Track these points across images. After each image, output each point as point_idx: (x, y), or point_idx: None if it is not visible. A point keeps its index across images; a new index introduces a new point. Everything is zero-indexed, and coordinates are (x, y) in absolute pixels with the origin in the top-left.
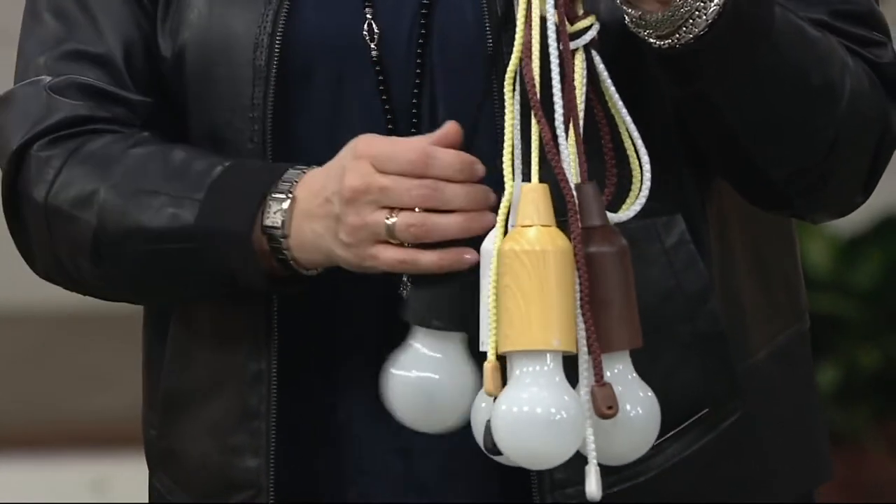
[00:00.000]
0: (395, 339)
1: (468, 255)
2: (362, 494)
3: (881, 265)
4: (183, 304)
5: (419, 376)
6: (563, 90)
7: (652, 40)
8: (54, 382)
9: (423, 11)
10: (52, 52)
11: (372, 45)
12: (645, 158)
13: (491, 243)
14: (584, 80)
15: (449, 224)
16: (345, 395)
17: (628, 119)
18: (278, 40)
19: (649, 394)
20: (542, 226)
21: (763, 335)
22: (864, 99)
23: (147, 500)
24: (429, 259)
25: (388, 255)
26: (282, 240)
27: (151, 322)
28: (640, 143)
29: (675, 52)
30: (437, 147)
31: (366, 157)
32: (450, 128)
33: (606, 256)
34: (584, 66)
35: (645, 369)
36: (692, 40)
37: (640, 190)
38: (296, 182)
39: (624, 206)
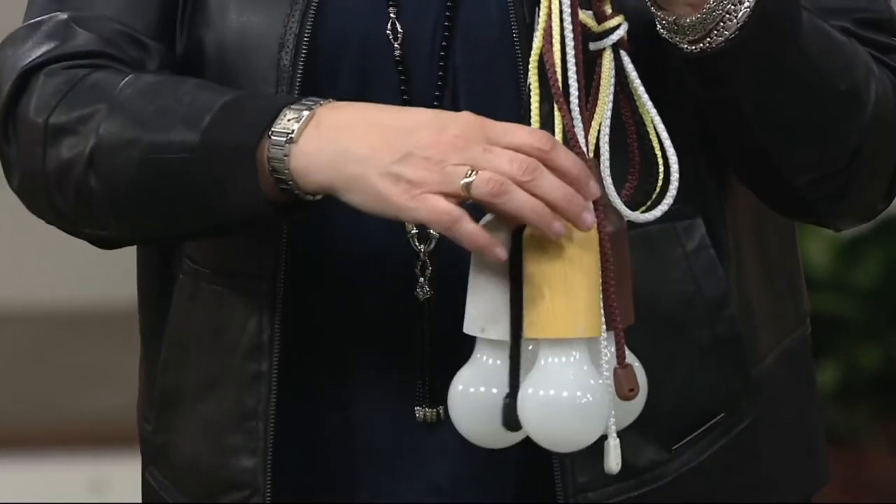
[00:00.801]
0: (408, 339)
1: (500, 250)
2: (375, 495)
3: (882, 265)
4: (172, 244)
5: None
6: (577, 75)
7: (684, 45)
8: (53, 382)
9: (448, 14)
10: (68, 3)
11: (395, 45)
12: (673, 159)
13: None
14: (612, 79)
15: (524, 199)
16: (355, 397)
17: (657, 119)
18: (305, 41)
19: (636, 364)
20: None
21: (771, 339)
22: (889, 107)
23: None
24: (468, 228)
25: (437, 204)
26: (286, 145)
27: (148, 317)
28: (668, 143)
29: (705, 56)
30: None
31: (479, 124)
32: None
33: (609, 235)
34: (612, 65)
35: (664, 374)
36: (723, 43)
37: (667, 190)
38: (321, 103)
39: (649, 206)
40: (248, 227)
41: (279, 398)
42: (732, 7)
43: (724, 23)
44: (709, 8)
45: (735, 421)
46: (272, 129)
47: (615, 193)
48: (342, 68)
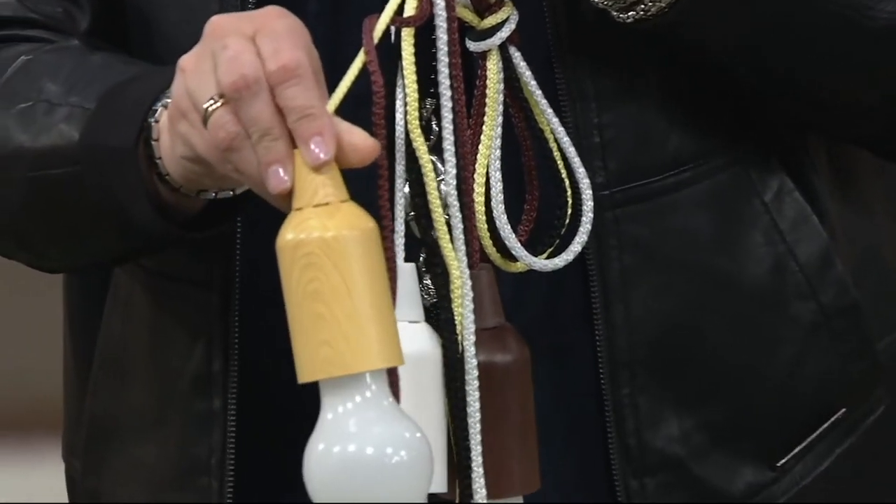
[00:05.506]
0: None
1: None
2: None
3: None
4: (89, 273)
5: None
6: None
7: (614, 13)
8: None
9: None
10: None
11: None
12: (586, 182)
13: None
14: (501, 87)
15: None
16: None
17: (561, 130)
18: None
19: None
20: (341, 201)
21: None
22: None
23: None
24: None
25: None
26: (153, 143)
27: (77, 322)
28: (577, 161)
29: (648, 26)
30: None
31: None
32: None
33: (499, 368)
34: (500, 67)
35: (759, 368)
36: (665, 9)
37: (578, 223)
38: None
39: (556, 247)
40: (169, 242)
41: (237, 443)
42: None
43: None
44: None
45: (862, 414)
46: (149, 132)
47: (513, 237)
48: None
